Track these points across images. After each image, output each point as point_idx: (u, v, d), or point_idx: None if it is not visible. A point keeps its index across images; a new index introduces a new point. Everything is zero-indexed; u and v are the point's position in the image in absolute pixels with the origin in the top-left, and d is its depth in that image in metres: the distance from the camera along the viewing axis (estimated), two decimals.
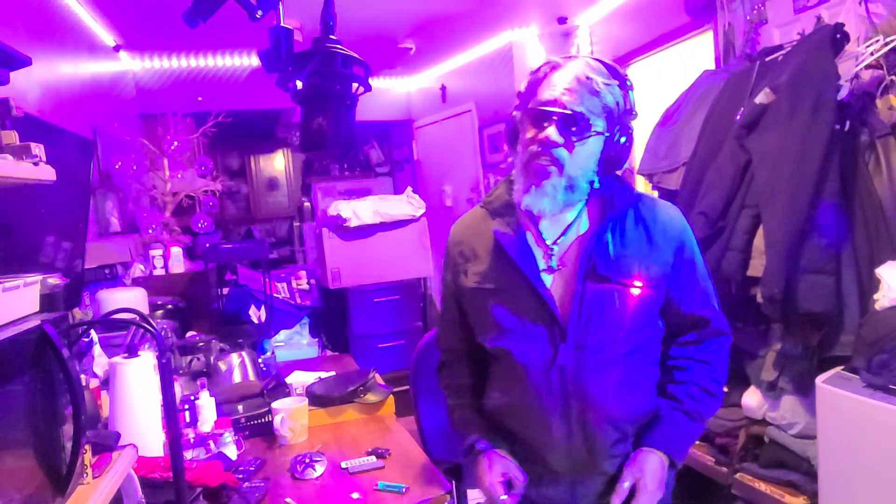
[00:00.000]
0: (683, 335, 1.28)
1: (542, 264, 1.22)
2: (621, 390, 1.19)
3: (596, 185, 1.20)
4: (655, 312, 1.23)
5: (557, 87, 1.13)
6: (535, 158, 1.15)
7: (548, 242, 1.23)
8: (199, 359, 2.22)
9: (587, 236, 1.21)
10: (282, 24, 1.29)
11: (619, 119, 1.17)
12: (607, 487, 1.20)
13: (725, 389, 1.32)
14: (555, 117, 1.12)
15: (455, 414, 1.37)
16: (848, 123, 1.78)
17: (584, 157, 1.15)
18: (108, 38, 3.71)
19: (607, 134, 1.15)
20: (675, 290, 1.23)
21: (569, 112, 1.12)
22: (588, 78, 1.13)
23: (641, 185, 3.48)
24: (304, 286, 4.42)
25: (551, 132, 1.12)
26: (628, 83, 1.18)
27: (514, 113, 1.24)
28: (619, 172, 1.24)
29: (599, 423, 1.18)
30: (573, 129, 1.12)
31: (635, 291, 1.17)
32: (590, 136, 1.14)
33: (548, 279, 1.20)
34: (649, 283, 1.19)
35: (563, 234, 1.23)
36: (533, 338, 1.19)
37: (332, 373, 2.33)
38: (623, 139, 1.17)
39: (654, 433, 1.21)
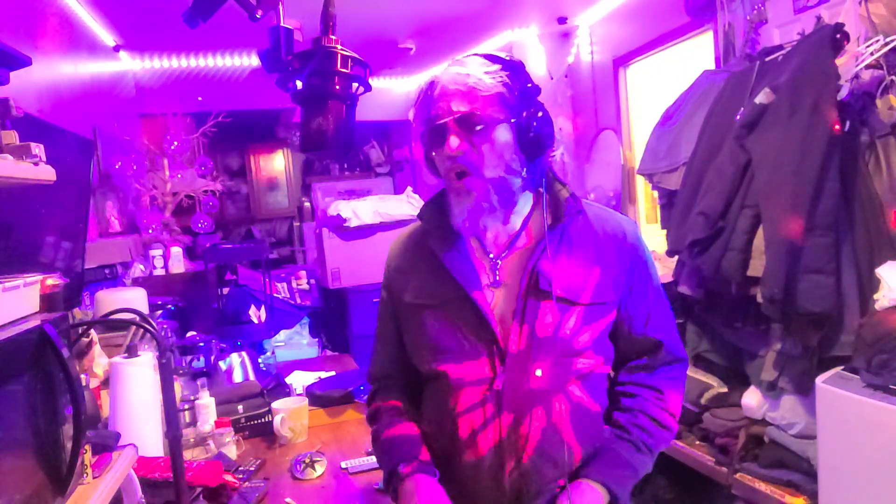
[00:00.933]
0: (633, 360, 1.18)
1: (486, 279, 1.13)
2: (564, 423, 1.08)
3: (521, 174, 1.11)
4: (605, 335, 1.14)
5: (441, 100, 1.08)
6: (452, 177, 1.09)
7: (491, 255, 1.15)
8: (199, 359, 2.23)
9: (530, 248, 1.13)
10: (282, 24, 1.29)
11: (519, 100, 1.09)
12: None
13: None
14: (448, 126, 1.07)
15: (378, 439, 1.21)
16: (848, 123, 1.78)
17: (495, 152, 1.08)
18: (108, 38, 3.71)
19: (513, 119, 1.08)
20: (625, 310, 1.14)
21: (456, 115, 1.06)
22: (463, 75, 1.07)
23: (641, 186, 3.48)
24: (304, 286, 4.42)
25: (451, 141, 1.06)
26: (514, 63, 1.11)
27: (424, 150, 1.16)
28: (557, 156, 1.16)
29: (535, 460, 1.06)
30: (470, 129, 1.07)
31: (582, 310, 1.09)
32: (492, 130, 1.07)
33: (492, 295, 1.12)
34: (597, 300, 1.10)
35: (509, 245, 1.15)
36: (471, 359, 1.10)
37: (332, 373, 2.33)
38: (533, 118, 1.08)
39: (593, 464, 1.09)
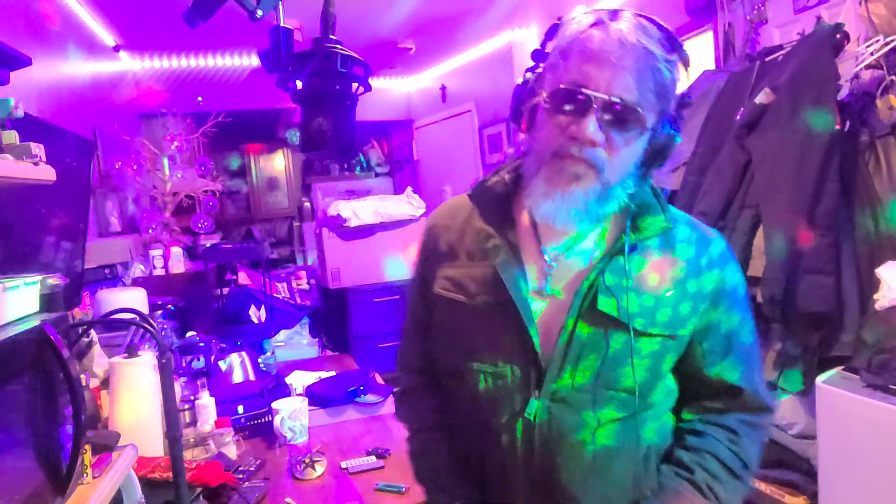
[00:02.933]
0: (705, 400, 0.98)
1: (533, 284, 0.93)
2: (606, 469, 0.91)
3: (630, 188, 0.89)
4: (667, 370, 0.94)
5: (604, 64, 0.80)
6: (563, 158, 0.84)
7: (547, 258, 0.94)
8: (198, 359, 2.23)
9: (594, 257, 0.93)
10: (282, 24, 1.30)
11: (671, 106, 0.86)
12: None
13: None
14: (596, 105, 0.81)
15: (422, 460, 1.05)
16: (848, 123, 1.78)
17: (626, 160, 0.86)
18: (108, 38, 3.71)
19: (654, 129, 0.86)
20: (699, 346, 0.94)
21: (617, 103, 0.80)
22: (647, 53, 0.80)
23: None
24: (304, 286, 4.42)
25: (590, 128, 0.81)
26: (687, 57, 0.86)
27: (530, 78, 0.90)
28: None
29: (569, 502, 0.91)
30: (620, 125, 0.82)
31: (645, 340, 0.89)
32: (638, 136, 0.84)
33: (538, 305, 0.92)
34: (666, 331, 0.90)
35: (570, 248, 0.93)
36: (504, 374, 0.92)
37: (332, 373, 2.33)
38: (670, 131, 0.87)
39: None
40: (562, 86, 0.83)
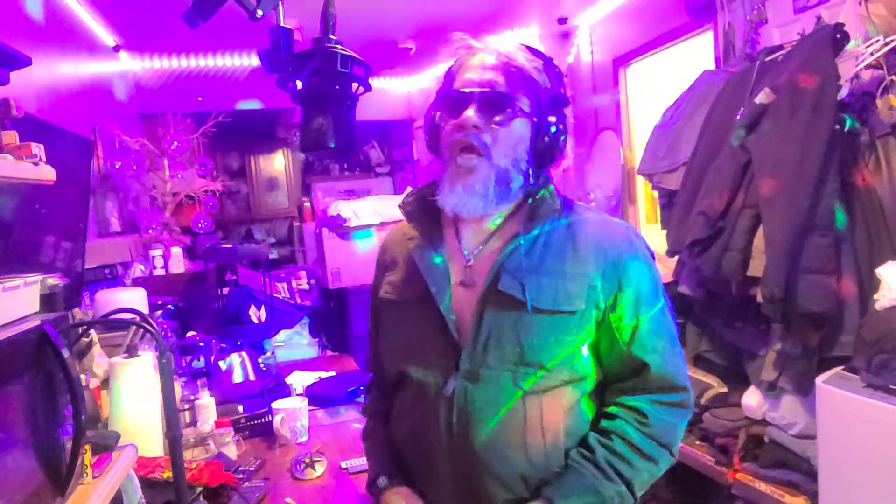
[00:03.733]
0: (619, 382, 1.08)
1: (457, 277, 1.07)
2: (516, 440, 0.99)
3: (531, 179, 1.05)
4: (576, 347, 1.02)
5: (474, 70, 1.03)
6: (457, 151, 1.02)
7: (465, 253, 1.08)
8: (199, 359, 2.23)
9: (501, 247, 1.05)
10: (282, 24, 1.29)
11: (548, 100, 1.04)
12: None
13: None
14: (472, 98, 1.01)
15: (367, 442, 1.22)
16: (848, 123, 1.77)
17: (510, 142, 1.01)
18: (108, 38, 3.71)
19: (536, 119, 1.02)
20: (608, 325, 1.04)
21: (487, 90, 1.00)
22: (507, 55, 1.02)
23: (641, 186, 3.48)
24: (304, 286, 4.43)
25: (469, 113, 1.00)
26: (554, 67, 1.07)
27: (434, 113, 1.11)
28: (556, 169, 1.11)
29: (485, 478, 0.99)
30: (495, 109, 1.00)
31: (547, 317, 0.99)
32: (514, 118, 1.01)
33: (461, 295, 1.05)
34: (564, 309, 1.00)
35: (483, 242, 1.08)
36: (429, 361, 1.04)
37: (332, 373, 2.33)
38: (553, 126, 1.03)
39: (550, 485, 0.99)
40: (446, 94, 1.05)
